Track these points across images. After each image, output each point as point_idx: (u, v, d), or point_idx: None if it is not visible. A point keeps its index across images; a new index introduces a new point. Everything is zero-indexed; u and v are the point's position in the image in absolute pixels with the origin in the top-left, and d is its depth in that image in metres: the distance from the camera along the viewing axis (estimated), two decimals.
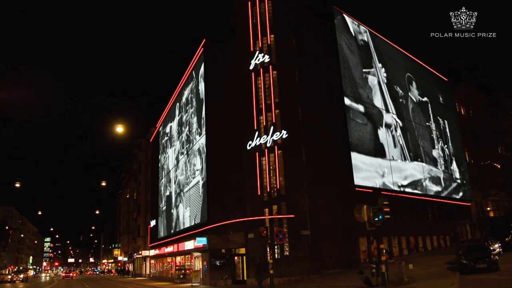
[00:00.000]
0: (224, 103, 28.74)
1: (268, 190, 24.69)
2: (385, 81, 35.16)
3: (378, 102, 32.92)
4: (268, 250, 24.16)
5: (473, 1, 35.12)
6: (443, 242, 38.55)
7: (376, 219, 13.73)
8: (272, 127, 25.02)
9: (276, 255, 23.73)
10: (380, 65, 34.96)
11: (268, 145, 24.92)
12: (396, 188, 31.38)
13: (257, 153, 25.16)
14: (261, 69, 26.49)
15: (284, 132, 24.74)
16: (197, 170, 32.05)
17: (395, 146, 33.35)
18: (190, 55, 35.71)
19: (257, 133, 25.33)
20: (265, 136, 25.07)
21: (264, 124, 25.51)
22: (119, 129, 20.97)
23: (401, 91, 37.45)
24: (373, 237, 29.53)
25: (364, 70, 32.28)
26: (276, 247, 23.82)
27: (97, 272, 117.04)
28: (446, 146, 43.18)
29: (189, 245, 30.98)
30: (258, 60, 26.54)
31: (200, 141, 31.45)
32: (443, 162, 41.14)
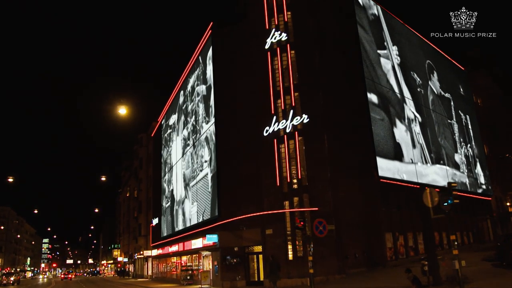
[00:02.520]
0: (235, 87, 26.27)
1: (288, 180, 22.16)
2: (400, 65, 31.28)
3: (393, 91, 29.31)
4: (286, 246, 21.78)
5: (473, 1, 33.38)
6: (467, 239, 36.25)
7: (445, 203, 11.38)
8: (291, 111, 22.53)
9: (297, 253, 21.31)
10: (393, 46, 31.08)
11: (288, 130, 22.42)
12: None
13: (275, 140, 22.66)
14: (278, 48, 24.03)
15: (305, 116, 22.27)
16: (205, 161, 29.59)
17: (414, 146, 29.30)
18: (195, 41, 33.30)
19: (274, 117, 22.82)
20: (284, 121, 22.58)
21: (283, 108, 23.03)
22: (122, 110, 18.58)
23: (418, 79, 33.80)
24: (399, 233, 27.34)
25: (377, 51, 28.86)
26: (297, 244, 21.46)
27: (85, 274, 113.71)
28: (469, 145, 39.77)
29: (197, 243, 28.54)
30: (275, 39, 24.08)
31: (208, 129, 29.00)
32: (465, 168, 37.32)
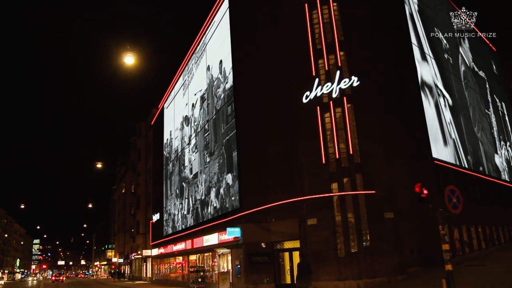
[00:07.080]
0: (258, 51, 21.83)
1: (337, 157, 17.60)
2: (421, 17, 23.80)
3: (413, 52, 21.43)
4: (335, 240, 17.34)
5: (473, 1, 30.39)
6: (508, 235, 32.12)
7: None
8: (338, 72, 18.09)
9: (350, 248, 16.90)
10: None
11: (334, 95, 17.98)
12: None
13: (318, 108, 18.11)
14: None
15: (354, 78, 17.86)
16: (222, 142, 25.17)
17: (445, 142, 21.81)
18: (209, 7, 28.93)
19: (317, 80, 18.31)
20: (328, 84, 18.12)
21: (326, 68, 18.58)
22: (129, 59, 14.07)
23: (445, 42, 26.24)
24: (454, 225, 23.15)
25: None
26: (351, 237, 17.06)
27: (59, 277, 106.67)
28: (508, 143, 33.66)
29: (211, 239, 24.06)
30: None
31: (225, 104, 24.60)
32: (507, 176, 30.79)
